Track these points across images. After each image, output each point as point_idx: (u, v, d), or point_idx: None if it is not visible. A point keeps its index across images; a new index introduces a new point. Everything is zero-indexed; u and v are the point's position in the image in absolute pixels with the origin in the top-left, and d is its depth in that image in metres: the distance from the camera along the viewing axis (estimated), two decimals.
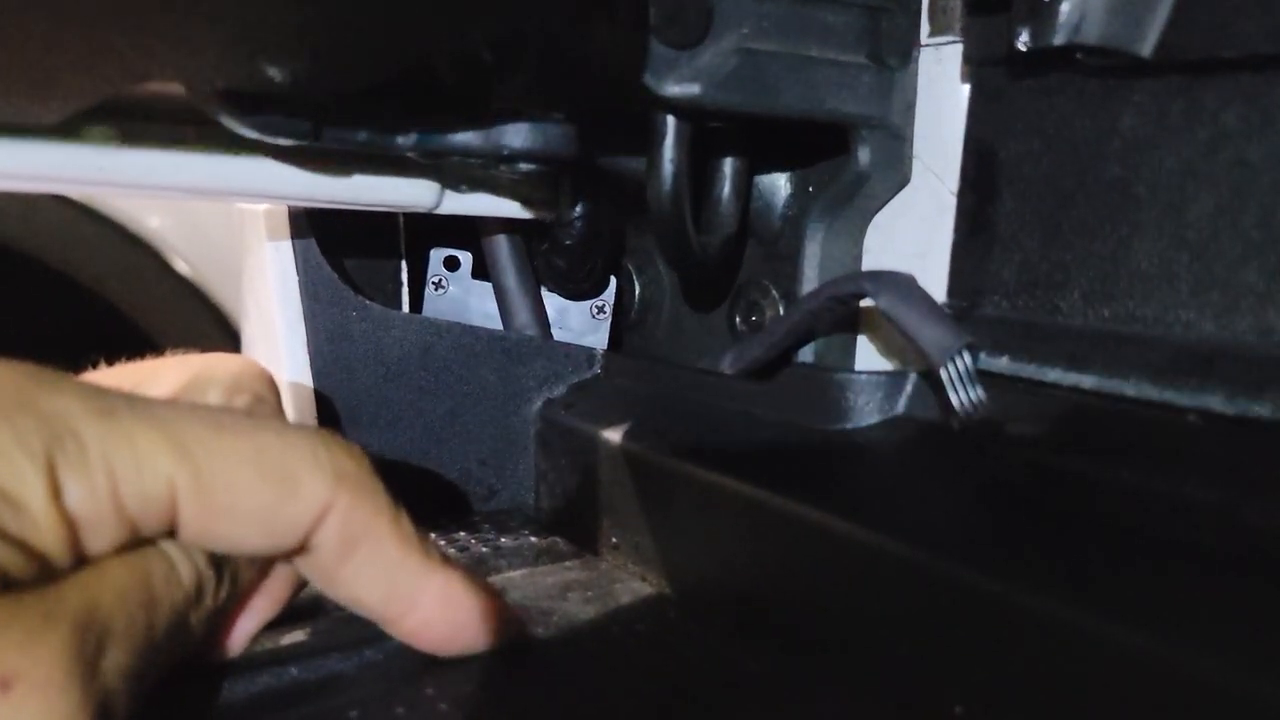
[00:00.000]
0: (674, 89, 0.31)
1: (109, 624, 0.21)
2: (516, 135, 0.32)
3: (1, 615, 0.19)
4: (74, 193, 0.64)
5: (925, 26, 0.34)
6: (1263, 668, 0.17)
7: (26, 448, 0.20)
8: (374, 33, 0.27)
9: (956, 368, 0.30)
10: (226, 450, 0.22)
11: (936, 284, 0.34)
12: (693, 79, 0.31)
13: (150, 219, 0.93)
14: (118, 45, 0.25)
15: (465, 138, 0.33)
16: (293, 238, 0.42)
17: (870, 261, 0.37)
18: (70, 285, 0.93)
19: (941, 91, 0.35)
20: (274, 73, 0.27)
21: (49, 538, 0.21)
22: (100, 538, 0.21)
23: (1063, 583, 0.21)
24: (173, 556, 0.23)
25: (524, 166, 0.33)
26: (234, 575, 0.25)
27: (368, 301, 0.41)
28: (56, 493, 0.20)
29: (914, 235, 0.36)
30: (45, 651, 0.20)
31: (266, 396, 0.29)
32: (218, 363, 0.29)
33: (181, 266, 0.94)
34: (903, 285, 0.32)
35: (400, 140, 0.33)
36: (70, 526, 0.21)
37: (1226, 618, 0.20)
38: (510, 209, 0.42)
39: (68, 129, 0.30)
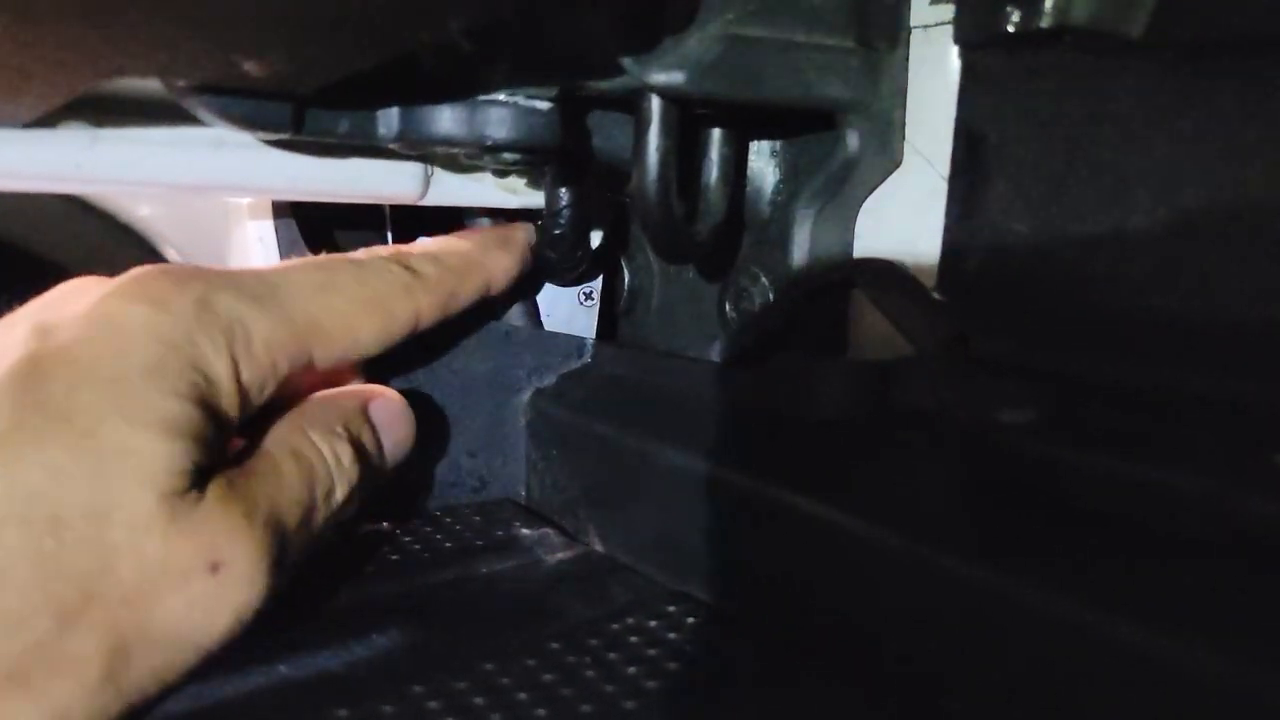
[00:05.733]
0: (659, 77, 0.31)
1: (286, 522, 0.27)
2: (500, 125, 0.32)
3: (216, 510, 0.25)
4: (52, 189, 0.63)
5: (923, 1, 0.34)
6: (1252, 658, 0.17)
7: (213, 339, 0.26)
8: (351, 24, 0.26)
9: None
10: (338, 309, 0.30)
11: (927, 269, 0.34)
12: (678, 66, 0.31)
13: (140, 208, 0.93)
14: (91, 40, 0.24)
15: (448, 128, 0.32)
16: (275, 221, 0.42)
17: (861, 247, 0.37)
18: (60, 274, 0.93)
19: (931, 74, 0.34)
20: (250, 67, 0.26)
21: (229, 403, 0.27)
22: (261, 395, 0.28)
23: (1056, 574, 0.21)
24: (327, 457, 0.29)
25: (508, 156, 0.33)
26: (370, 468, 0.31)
27: None
28: (236, 370, 0.27)
29: (905, 220, 0.35)
30: (247, 546, 0.25)
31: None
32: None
33: (171, 254, 0.94)
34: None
35: (382, 131, 0.32)
36: (244, 394, 0.27)
37: (1216, 607, 0.20)
38: (497, 199, 0.41)
39: (42, 125, 0.29)
